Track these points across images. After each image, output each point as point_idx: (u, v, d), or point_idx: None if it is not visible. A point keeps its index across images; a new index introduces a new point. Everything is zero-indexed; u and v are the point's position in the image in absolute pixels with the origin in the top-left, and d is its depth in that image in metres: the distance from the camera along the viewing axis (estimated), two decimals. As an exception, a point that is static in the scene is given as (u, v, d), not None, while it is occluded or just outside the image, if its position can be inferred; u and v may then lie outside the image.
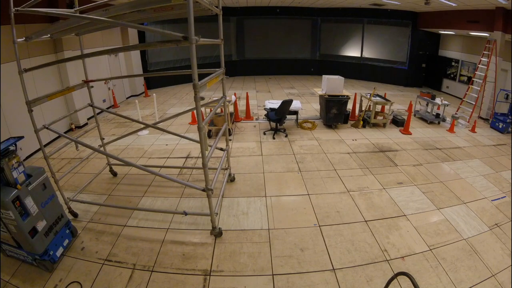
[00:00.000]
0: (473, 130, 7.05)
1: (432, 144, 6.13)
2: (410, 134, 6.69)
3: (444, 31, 10.59)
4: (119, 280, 2.82)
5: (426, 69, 12.12)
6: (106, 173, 4.92)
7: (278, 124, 6.50)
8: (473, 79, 8.28)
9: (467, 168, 5.15)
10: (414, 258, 3.07)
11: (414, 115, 7.93)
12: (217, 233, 3.36)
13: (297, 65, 14.44)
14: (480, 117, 8.15)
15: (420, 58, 11.96)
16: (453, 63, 10.76)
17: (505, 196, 4.29)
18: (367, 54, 13.20)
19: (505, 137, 6.76)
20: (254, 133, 6.60)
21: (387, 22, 12.13)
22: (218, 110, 7.13)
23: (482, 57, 7.96)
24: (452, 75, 10.86)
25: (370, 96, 7.12)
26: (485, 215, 3.83)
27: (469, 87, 8.30)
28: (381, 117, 7.23)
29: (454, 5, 8.04)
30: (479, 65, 8.02)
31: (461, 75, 10.37)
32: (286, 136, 6.42)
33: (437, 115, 7.53)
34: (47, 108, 6.25)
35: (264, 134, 6.58)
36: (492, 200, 4.17)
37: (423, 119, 7.75)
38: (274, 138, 6.37)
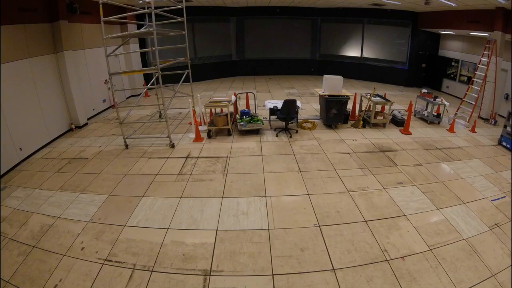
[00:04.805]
0: (473, 130, 7.05)
1: (432, 144, 6.13)
2: (410, 134, 6.69)
3: (444, 31, 10.59)
4: (119, 280, 2.82)
5: (426, 69, 12.11)
6: (106, 173, 4.92)
7: (286, 124, 6.59)
8: (473, 79, 8.28)
9: (467, 168, 5.14)
10: (414, 258, 3.07)
11: (414, 115, 7.93)
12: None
13: (297, 65, 14.43)
14: (480, 117, 8.15)
15: (420, 58, 11.95)
16: (453, 63, 10.75)
17: (505, 196, 4.29)
18: (367, 54, 13.19)
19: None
20: (254, 133, 6.59)
21: (387, 22, 12.12)
22: (218, 110, 7.15)
23: (482, 57, 7.96)
24: (452, 75, 10.86)
25: (370, 96, 7.12)
26: (485, 215, 3.83)
27: (469, 87, 8.29)
28: (381, 117, 7.22)
29: (454, 5, 8.03)
30: (479, 65, 8.02)
31: (461, 75, 10.36)
32: (290, 136, 6.42)
33: (438, 115, 7.52)
34: (47, 108, 6.25)
35: (274, 130, 6.68)
36: (492, 200, 4.17)
37: (423, 119, 7.75)
38: (277, 136, 6.42)
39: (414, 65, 12.03)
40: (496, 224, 3.65)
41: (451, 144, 6.22)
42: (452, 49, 10.93)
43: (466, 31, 9.04)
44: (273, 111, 6.76)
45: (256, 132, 6.61)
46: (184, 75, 6.73)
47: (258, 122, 6.53)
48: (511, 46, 7.81)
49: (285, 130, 6.63)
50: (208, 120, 6.95)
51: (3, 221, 3.76)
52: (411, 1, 8.82)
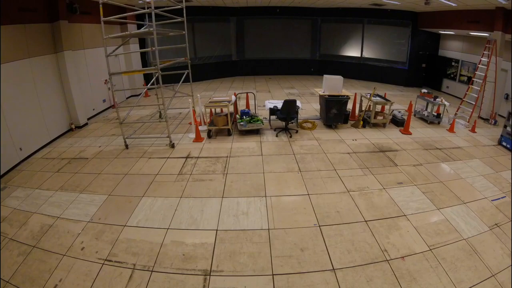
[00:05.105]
0: (473, 130, 7.06)
1: (432, 144, 6.13)
2: (410, 134, 6.70)
3: (444, 31, 10.58)
4: (119, 280, 2.82)
5: (426, 69, 12.11)
6: (106, 173, 4.93)
7: (286, 124, 6.62)
8: (473, 79, 8.28)
9: (467, 168, 5.14)
10: (414, 258, 3.07)
11: (414, 115, 7.93)
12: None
13: (297, 65, 14.43)
14: (480, 117, 8.15)
15: (420, 58, 11.95)
16: (453, 63, 10.75)
17: (505, 196, 4.29)
18: (367, 54, 13.19)
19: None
20: (254, 133, 6.60)
21: (387, 22, 12.12)
22: (218, 110, 7.15)
23: (482, 57, 7.96)
24: (452, 75, 10.86)
25: (370, 96, 7.12)
26: (485, 215, 3.83)
27: (469, 87, 8.28)
28: (381, 117, 7.23)
29: (454, 5, 8.03)
30: (479, 65, 8.02)
31: (461, 75, 10.37)
32: (290, 136, 6.42)
33: (438, 115, 7.52)
34: (47, 108, 6.26)
35: (274, 130, 6.71)
36: (492, 200, 4.17)
37: (423, 119, 7.76)
38: (277, 136, 6.46)
39: (414, 65, 12.03)
40: (496, 224, 3.65)
41: (451, 144, 6.22)
42: (452, 49, 10.92)
43: (466, 31, 9.03)
44: (273, 111, 6.78)
45: (256, 132, 6.62)
46: (184, 75, 6.73)
47: (258, 122, 6.54)
48: (511, 46, 7.81)
49: (285, 130, 6.64)
50: (208, 120, 6.96)
51: (3, 221, 3.76)
52: (411, 1, 8.82)
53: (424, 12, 10.79)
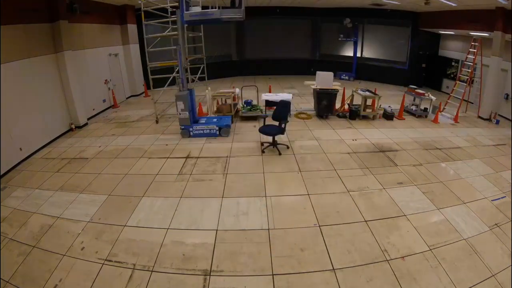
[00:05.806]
0: (455, 120, 7.71)
1: (432, 144, 6.13)
2: (404, 119, 7.71)
3: (444, 31, 10.58)
4: (119, 280, 2.82)
5: (426, 69, 12.11)
6: (106, 173, 4.92)
7: (279, 123, 5.51)
8: (459, 74, 8.85)
9: (467, 168, 5.14)
10: (414, 258, 3.07)
11: (405, 110, 8.27)
12: None
13: (297, 65, 14.41)
14: (480, 117, 8.17)
15: (420, 58, 11.95)
16: (453, 63, 10.75)
17: (505, 196, 4.29)
18: (367, 54, 13.19)
19: (505, 137, 6.76)
20: (255, 133, 6.59)
21: (387, 22, 12.12)
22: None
23: (468, 55, 8.39)
24: (452, 75, 10.86)
25: (355, 89, 7.91)
26: (485, 215, 3.83)
27: (455, 83, 8.86)
28: (370, 110, 7.79)
29: (454, 5, 8.03)
30: (466, 62, 8.47)
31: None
32: (279, 154, 5.48)
33: (425, 109, 8.11)
34: (47, 108, 6.26)
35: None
36: (492, 200, 4.17)
37: (411, 113, 8.27)
38: (263, 152, 5.56)
39: (414, 65, 12.02)
40: (496, 224, 3.65)
41: (451, 144, 6.22)
42: (452, 49, 10.93)
43: (466, 31, 9.04)
44: (268, 102, 7.59)
45: (254, 118, 7.54)
46: (200, 70, 8.65)
47: (257, 110, 7.57)
48: (511, 46, 7.82)
49: (271, 145, 5.73)
50: (215, 109, 7.68)
51: (3, 221, 3.76)
52: (411, 1, 8.82)
53: (424, 12, 10.79)
